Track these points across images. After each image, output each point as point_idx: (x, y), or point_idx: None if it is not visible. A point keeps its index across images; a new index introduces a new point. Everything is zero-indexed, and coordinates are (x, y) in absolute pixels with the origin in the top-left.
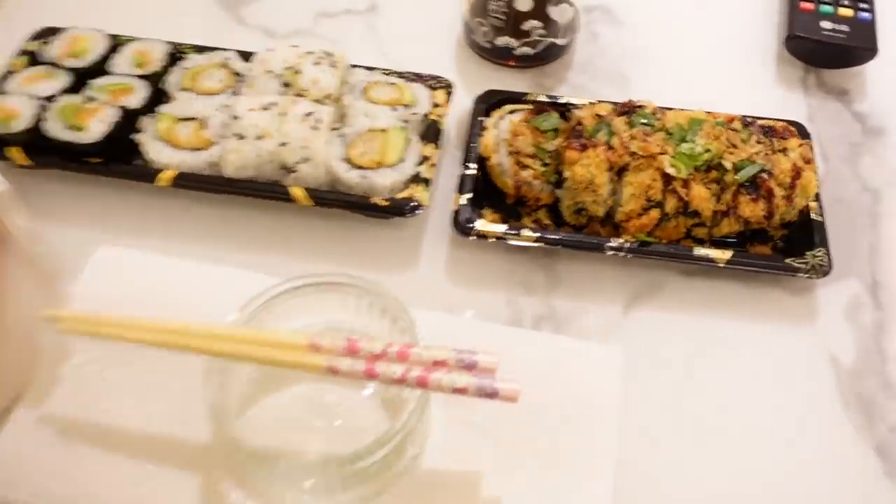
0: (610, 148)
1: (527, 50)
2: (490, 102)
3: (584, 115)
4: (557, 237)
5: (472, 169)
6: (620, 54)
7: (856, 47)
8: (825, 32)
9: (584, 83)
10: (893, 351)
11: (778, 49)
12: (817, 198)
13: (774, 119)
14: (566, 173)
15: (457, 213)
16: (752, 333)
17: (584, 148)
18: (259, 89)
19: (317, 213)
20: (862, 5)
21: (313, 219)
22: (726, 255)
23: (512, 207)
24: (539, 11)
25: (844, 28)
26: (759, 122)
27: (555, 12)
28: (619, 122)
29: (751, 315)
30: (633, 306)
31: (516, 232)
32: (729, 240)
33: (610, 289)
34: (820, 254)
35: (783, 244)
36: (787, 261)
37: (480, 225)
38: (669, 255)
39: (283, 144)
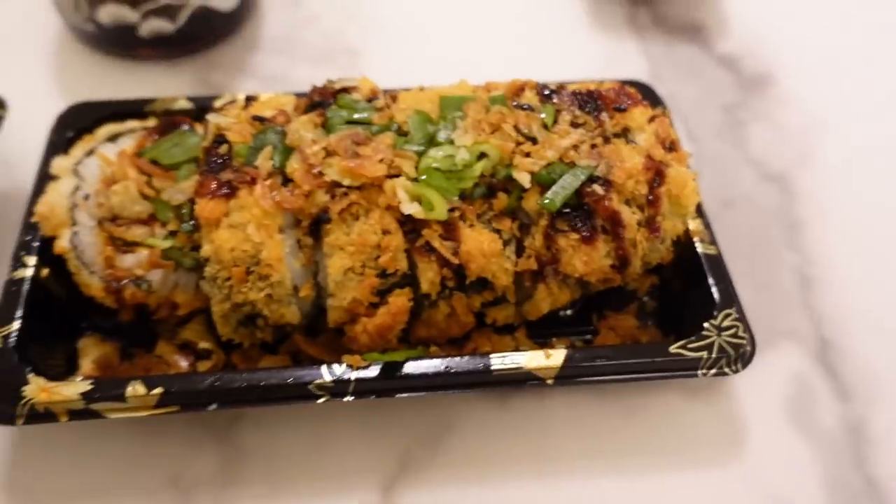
0: (286, 181)
1: (161, 25)
2: (80, 126)
3: (226, 124)
4: (206, 386)
5: (28, 266)
6: (343, 19)
7: None
8: None
9: (282, 71)
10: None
11: None
12: (699, 210)
13: (595, 82)
14: (204, 246)
15: None
16: (633, 487)
17: (230, 189)
18: None
19: None
20: None
21: None
22: (555, 359)
23: (137, 327)
24: None
25: None
26: (570, 87)
27: None
28: (303, 125)
29: (627, 453)
30: (399, 484)
31: (117, 392)
32: (561, 314)
33: (350, 461)
34: (729, 321)
35: (658, 305)
36: (675, 349)
37: (34, 391)
38: (444, 384)
39: None
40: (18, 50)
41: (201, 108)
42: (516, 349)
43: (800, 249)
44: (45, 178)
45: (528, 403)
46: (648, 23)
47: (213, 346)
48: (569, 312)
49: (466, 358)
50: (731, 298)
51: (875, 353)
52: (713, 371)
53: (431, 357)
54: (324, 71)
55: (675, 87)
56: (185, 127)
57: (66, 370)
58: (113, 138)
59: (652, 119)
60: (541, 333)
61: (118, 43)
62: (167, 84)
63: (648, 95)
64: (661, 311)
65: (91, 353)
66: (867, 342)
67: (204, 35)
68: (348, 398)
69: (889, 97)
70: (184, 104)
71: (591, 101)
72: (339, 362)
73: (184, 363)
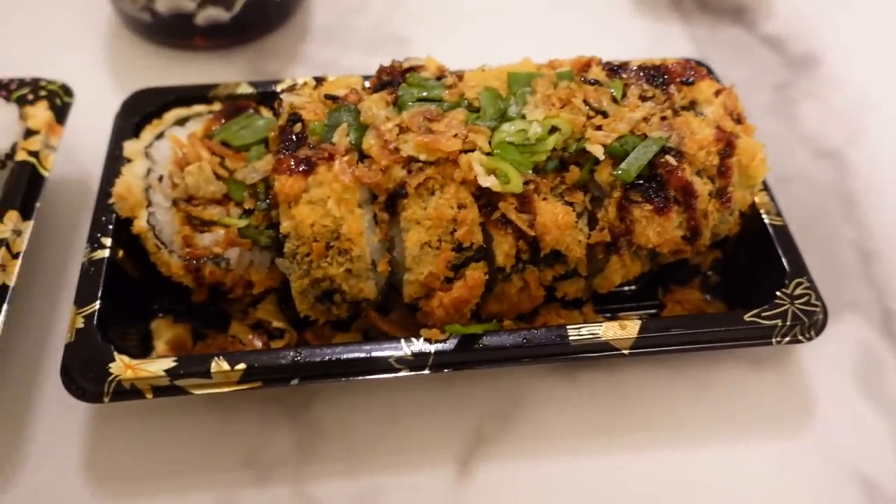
0: (362, 157)
1: (217, 13)
2: (146, 112)
3: (301, 102)
4: (288, 361)
5: (105, 248)
6: (390, 6)
7: None
8: None
9: (335, 58)
10: None
11: None
12: (763, 184)
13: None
14: (283, 223)
15: (71, 349)
16: (704, 458)
17: (308, 165)
18: None
19: None
20: None
21: None
22: (630, 330)
23: (210, 308)
24: None
25: None
26: (636, 63)
27: None
28: (375, 103)
29: (696, 425)
30: (475, 457)
31: (201, 369)
32: (626, 289)
33: (425, 435)
34: (800, 289)
35: (721, 279)
36: (749, 317)
37: (120, 369)
38: (522, 356)
39: None
40: (74, 40)
41: (263, 93)
42: (585, 323)
43: (857, 223)
44: (114, 161)
45: (596, 377)
46: (692, 6)
47: (285, 325)
48: (634, 288)
49: (544, 330)
50: (801, 268)
51: None
52: (787, 339)
53: (508, 331)
54: (374, 58)
55: (723, 68)
56: (251, 110)
57: (140, 351)
58: (181, 122)
59: (718, 92)
60: (607, 309)
61: (174, 32)
62: (221, 73)
63: (706, 72)
64: (725, 285)
65: (164, 334)
66: None
67: (257, 24)
68: (427, 371)
69: None
70: (246, 89)
71: (659, 76)
72: (417, 336)
73: (258, 342)
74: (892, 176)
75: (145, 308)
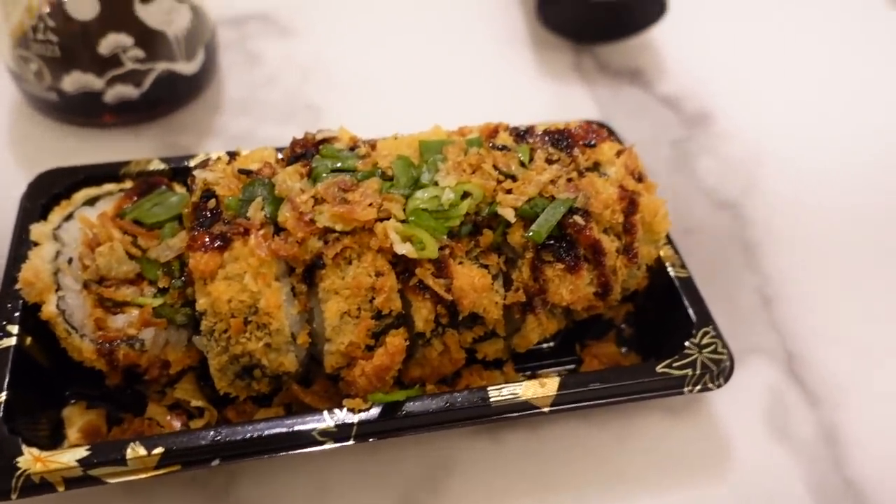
0: (278, 230)
1: (126, 90)
2: (53, 193)
3: (214, 178)
4: (208, 441)
5: (11, 335)
6: (302, 78)
7: (633, 6)
8: None
9: (248, 130)
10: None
11: (530, 29)
12: (667, 237)
13: (560, 123)
14: (199, 300)
15: None
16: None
17: (224, 241)
18: None
19: None
20: None
21: None
22: (549, 388)
23: (125, 391)
24: (121, 19)
25: None
26: (539, 127)
27: (152, 15)
28: (289, 176)
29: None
30: None
31: (116, 456)
32: (544, 346)
33: None
34: (706, 338)
35: (635, 331)
36: (661, 368)
37: (28, 462)
38: (445, 420)
39: None
40: None
41: (176, 169)
42: (506, 383)
43: (757, 270)
44: (20, 245)
45: (520, 436)
46: (592, 69)
47: (205, 403)
48: (552, 344)
49: (465, 393)
50: (707, 317)
51: (836, 361)
52: (698, 387)
53: (431, 395)
54: (288, 128)
55: (625, 127)
56: (164, 187)
57: (52, 441)
58: (91, 202)
59: (619, 153)
60: (527, 367)
61: (82, 111)
62: (133, 149)
63: (610, 135)
64: (638, 337)
65: (77, 421)
66: (828, 351)
67: (167, 99)
68: (351, 442)
69: (818, 126)
70: (158, 165)
71: (563, 139)
72: (340, 407)
73: (176, 423)
74: (787, 223)
75: (56, 395)
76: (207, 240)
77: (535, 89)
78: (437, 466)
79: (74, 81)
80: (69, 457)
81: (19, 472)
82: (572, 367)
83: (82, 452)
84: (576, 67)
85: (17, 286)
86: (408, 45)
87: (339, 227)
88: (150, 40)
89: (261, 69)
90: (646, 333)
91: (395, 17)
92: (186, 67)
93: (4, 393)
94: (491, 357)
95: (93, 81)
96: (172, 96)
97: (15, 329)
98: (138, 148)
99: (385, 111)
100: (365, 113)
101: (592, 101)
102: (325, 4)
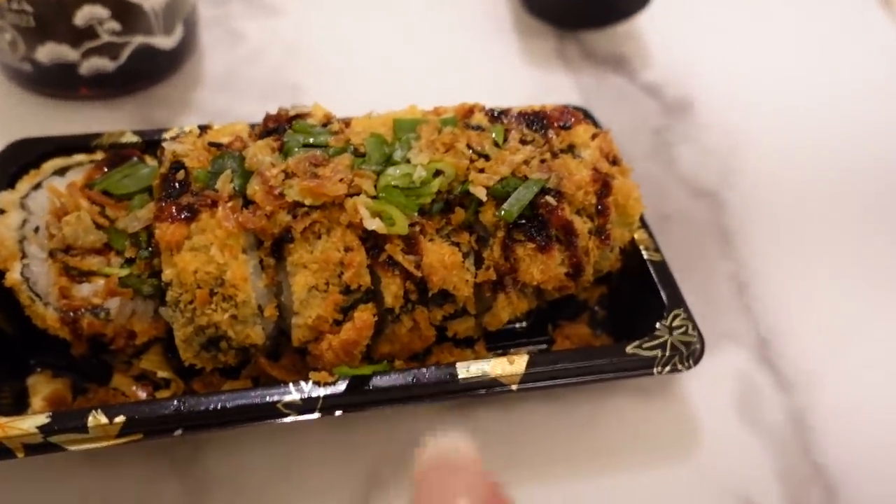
0: (247, 203)
1: (102, 63)
2: (23, 162)
3: (183, 150)
4: (171, 411)
5: None
6: (285, 57)
7: None
8: None
9: (227, 106)
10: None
11: (514, 14)
12: (642, 221)
13: (538, 106)
14: (165, 270)
15: None
16: (600, 487)
17: (191, 212)
18: None
19: None
20: None
21: None
22: (518, 365)
23: (91, 361)
24: None
25: None
26: (515, 109)
27: None
28: (260, 149)
29: (590, 456)
30: (372, 502)
31: (77, 423)
32: (516, 325)
33: (320, 482)
34: (677, 321)
35: (607, 314)
36: (631, 349)
37: None
38: (412, 395)
39: None
40: None
41: (149, 142)
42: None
43: (733, 257)
44: None
45: (490, 415)
46: (576, 56)
47: (171, 374)
48: (524, 324)
49: (433, 368)
50: (678, 299)
51: (809, 348)
52: (668, 368)
53: (397, 370)
54: (268, 106)
55: (608, 114)
56: (135, 159)
57: (14, 409)
58: (60, 172)
59: (594, 136)
60: (499, 346)
61: (57, 82)
62: (108, 122)
63: (586, 118)
64: (611, 319)
65: (42, 390)
66: (800, 338)
67: (145, 73)
68: (316, 415)
69: (798, 117)
70: (131, 137)
71: (538, 121)
72: (306, 380)
73: (142, 394)
74: (763, 212)
75: (21, 364)
76: (174, 210)
77: (517, 75)
78: (406, 441)
79: (49, 52)
80: (30, 423)
81: None
82: (544, 346)
83: (43, 419)
84: (559, 54)
85: None
86: (391, 27)
87: (308, 202)
88: (127, 13)
89: (242, 47)
90: (619, 316)
91: (379, 1)
92: (164, 42)
93: None
94: (462, 335)
95: (68, 53)
96: (150, 70)
97: None
98: (113, 121)
99: (366, 93)
100: (346, 94)
101: (575, 88)
102: None
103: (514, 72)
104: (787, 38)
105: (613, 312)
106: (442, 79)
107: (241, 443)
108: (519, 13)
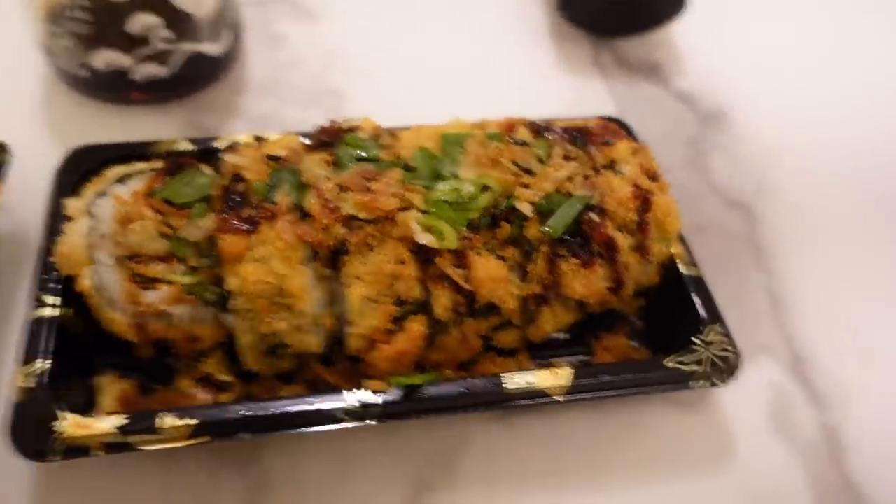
0: (304, 215)
1: (154, 69)
2: (85, 169)
3: (243, 162)
4: (238, 416)
5: (52, 305)
6: (326, 62)
7: (654, 0)
8: None
9: (272, 111)
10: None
11: (550, 21)
12: (679, 235)
13: (581, 119)
14: (229, 280)
15: (20, 408)
16: (636, 498)
17: (252, 224)
18: None
19: None
20: None
21: None
22: (562, 377)
23: (156, 363)
24: (150, 0)
25: None
26: (558, 122)
27: None
28: (315, 163)
29: (626, 466)
30: (423, 499)
31: (152, 425)
32: (558, 337)
33: (374, 485)
34: (714, 335)
35: (645, 325)
36: (669, 362)
37: (70, 427)
38: (462, 405)
39: None
40: (8, 96)
41: (203, 150)
42: (520, 370)
43: (767, 270)
44: (54, 220)
45: (532, 422)
46: (610, 62)
47: (232, 378)
48: (566, 335)
49: (481, 379)
50: (716, 315)
51: (842, 364)
52: (705, 383)
53: (448, 380)
54: (311, 112)
55: (641, 122)
56: (192, 167)
57: (85, 408)
58: (122, 179)
59: (635, 152)
60: (540, 356)
61: (111, 87)
62: (160, 127)
63: (623, 130)
64: (649, 331)
65: (110, 390)
66: (835, 353)
67: (194, 79)
68: (371, 422)
69: (835, 128)
70: (186, 145)
71: (580, 137)
72: (360, 387)
73: (205, 396)
74: (799, 224)
75: (89, 364)
76: (236, 222)
77: (553, 82)
78: (452, 447)
79: (104, 59)
80: (108, 423)
81: (60, 435)
82: (583, 357)
83: (121, 420)
84: (594, 61)
85: (53, 259)
86: (429, 34)
87: (362, 215)
88: (179, 21)
89: (284, 52)
90: (656, 328)
91: (417, 6)
92: (212, 48)
93: (45, 360)
94: (506, 346)
95: (122, 59)
96: (198, 76)
97: (51, 299)
98: (165, 125)
99: (404, 99)
100: (385, 100)
101: (610, 95)
102: None
103: (550, 79)
104: (825, 47)
105: (651, 325)
106: (479, 85)
107: (298, 444)
108: (556, 20)
